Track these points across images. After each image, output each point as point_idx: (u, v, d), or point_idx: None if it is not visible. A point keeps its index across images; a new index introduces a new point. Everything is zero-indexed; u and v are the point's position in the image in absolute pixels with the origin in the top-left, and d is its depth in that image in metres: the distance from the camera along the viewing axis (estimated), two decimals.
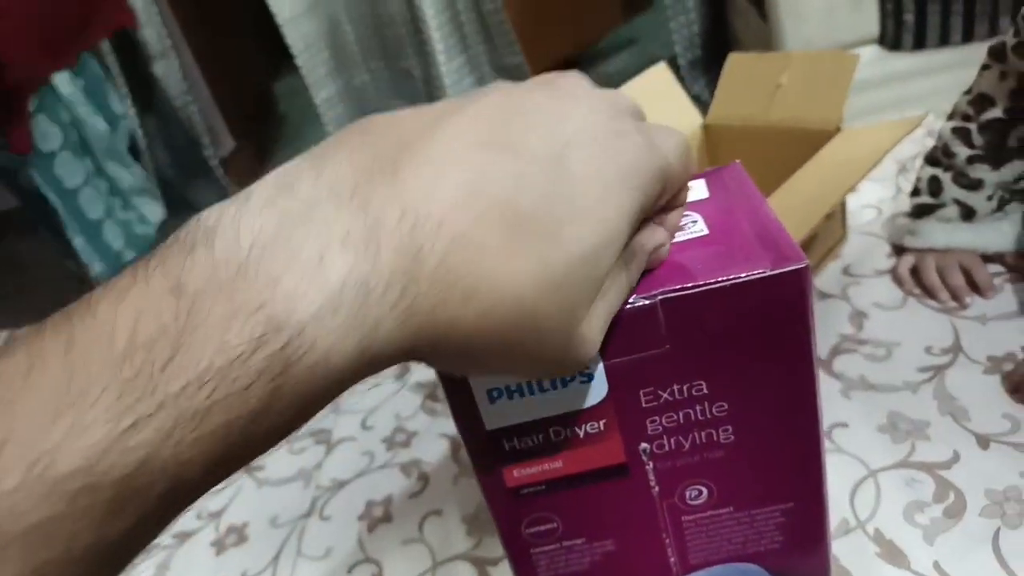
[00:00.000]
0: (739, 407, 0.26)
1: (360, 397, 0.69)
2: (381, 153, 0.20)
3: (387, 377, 0.71)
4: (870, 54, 1.40)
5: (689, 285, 0.24)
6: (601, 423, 0.26)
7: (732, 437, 0.27)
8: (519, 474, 0.27)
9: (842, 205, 0.66)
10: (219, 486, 0.62)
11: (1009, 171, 0.59)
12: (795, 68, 0.66)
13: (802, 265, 0.24)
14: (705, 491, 0.29)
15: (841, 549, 0.44)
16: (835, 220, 0.66)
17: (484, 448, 0.27)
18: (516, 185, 0.20)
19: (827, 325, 0.60)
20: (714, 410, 0.26)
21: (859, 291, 0.63)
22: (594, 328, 0.22)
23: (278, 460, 0.64)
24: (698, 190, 0.30)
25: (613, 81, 0.68)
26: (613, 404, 0.26)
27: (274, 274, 0.17)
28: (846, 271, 0.66)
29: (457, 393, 0.26)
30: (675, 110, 0.71)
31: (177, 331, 0.17)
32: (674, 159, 0.24)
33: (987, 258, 0.61)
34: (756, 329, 0.25)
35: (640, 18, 2.19)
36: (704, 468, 0.28)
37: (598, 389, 0.26)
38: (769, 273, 0.24)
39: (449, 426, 0.62)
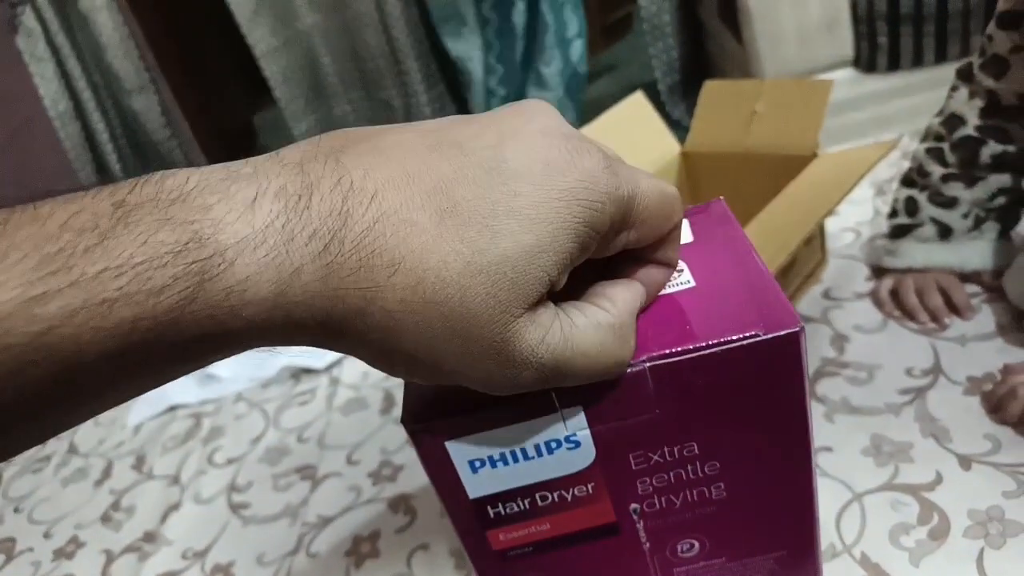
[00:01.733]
0: (732, 464, 0.26)
1: (345, 432, 0.68)
2: (333, 143, 0.21)
3: (372, 411, 0.70)
4: (845, 76, 1.43)
5: (678, 350, 0.23)
6: (589, 486, 0.26)
7: (724, 493, 0.27)
8: (505, 538, 0.27)
9: (821, 229, 0.67)
10: (204, 524, 0.61)
11: (983, 189, 0.60)
12: (770, 95, 0.68)
13: (796, 329, 0.23)
14: (697, 544, 0.28)
15: (829, 574, 0.44)
16: (814, 244, 0.67)
17: (468, 516, 0.26)
18: (455, 176, 0.20)
19: (809, 349, 0.60)
20: (706, 469, 0.26)
21: (840, 314, 0.64)
22: (537, 339, 0.21)
23: (263, 497, 0.63)
24: (683, 233, 0.29)
25: (594, 106, 0.69)
26: (601, 468, 0.25)
27: (208, 203, 0.18)
28: (827, 295, 0.66)
29: (437, 463, 0.25)
30: (653, 138, 0.72)
31: (108, 226, 0.17)
32: (646, 196, 0.23)
33: (965, 278, 0.62)
34: (748, 391, 0.24)
35: (619, 45, 2.23)
36: (696, 524, 0.27)
37: (585, 455, 0.25)
38: (762, 338, 0.23)
39: None
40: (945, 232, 0.61)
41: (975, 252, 0.61)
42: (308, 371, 0.79)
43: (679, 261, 0.27)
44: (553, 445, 0.25)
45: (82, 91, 1.64)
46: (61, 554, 0.65)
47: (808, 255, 0.66)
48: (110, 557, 0.62)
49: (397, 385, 0.73)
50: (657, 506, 0.26)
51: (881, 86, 1.40)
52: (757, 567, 0.29)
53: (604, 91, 2.03)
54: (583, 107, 1.84)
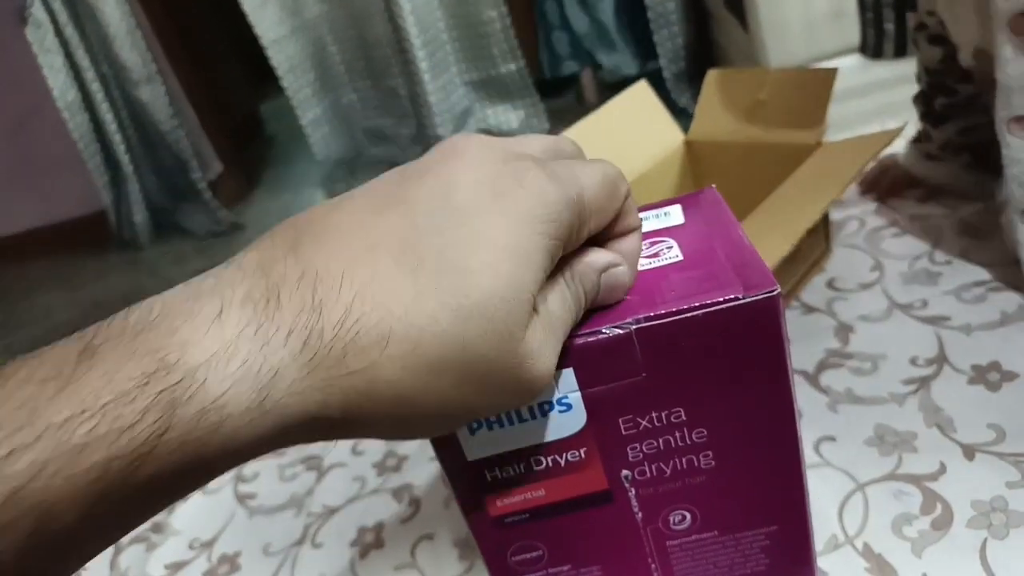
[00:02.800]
0: (718, 433, 0.27)
1: None
2: (286, 237, 0.21)
3: None
4: (852, 63, 1.42)
5: (662, 312, 0.24)
6: (582, 451, 0.27)
7: (713, 463, 0.27)
8: (502, 504, 0.28)
9: (825, 218, 0.67)
10: (211, 514, 0.62)
11: (943, 133, 0.68)
12: (774, 84, 0.67)
13: (773, 291, 0.24)
14: (688, 516, 0.29)
15: (830, 565, 0.44)
16: (818, 234, 0.67)
17: (467, 479, 0.27)
18: (413, 231, 0.20)
19: (813, 339, 0.60)
20: (693, 436, 0.27)
21: (844, 305, 0.63)
22: (540, 345, 0.22)
23: (269, 487, 0.64)
24: (674, 216, 0.30)
25: (601, 92, 0.69)
26: (592, 432, 0.26)
27: (174, 327, 0.18)
28: (831, 284, 0.66)
29: None
30: (657, 127, 0.72)
31: (72, 371, 0.17)
32: (589, 189, 0.24)
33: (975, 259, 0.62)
34: (731, 355, 0.25)
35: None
36: (686, 493, 0.28)
37: (576, 418, 0.26)
38: (741, 300, 0.24)
39: None
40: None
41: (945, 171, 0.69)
42: None
43: (669, 238, 0.28)
44: (546, 407, 0.25)
45: (90, 82, 1.65)
46: None
47: (812, 244, 0.66)
48: (118, 547, 0.63)
49: None
50: (648, 474, 0.27)
51: (888, 73, 1.38)
52: (749, 543, 0.30)
53: (610, 78, 2.01)
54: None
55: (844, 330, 0.61)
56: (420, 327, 0.19)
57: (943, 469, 0.48)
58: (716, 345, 0.25)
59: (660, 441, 0.27)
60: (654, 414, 0.26)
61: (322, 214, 0.21)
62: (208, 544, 0.60)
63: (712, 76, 0.72)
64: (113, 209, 1.80)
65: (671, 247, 0.28)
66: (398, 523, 0.56)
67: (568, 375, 0.25)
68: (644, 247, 0.29)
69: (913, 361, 0.56)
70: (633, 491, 0.28)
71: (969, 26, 0.57)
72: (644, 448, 0.27)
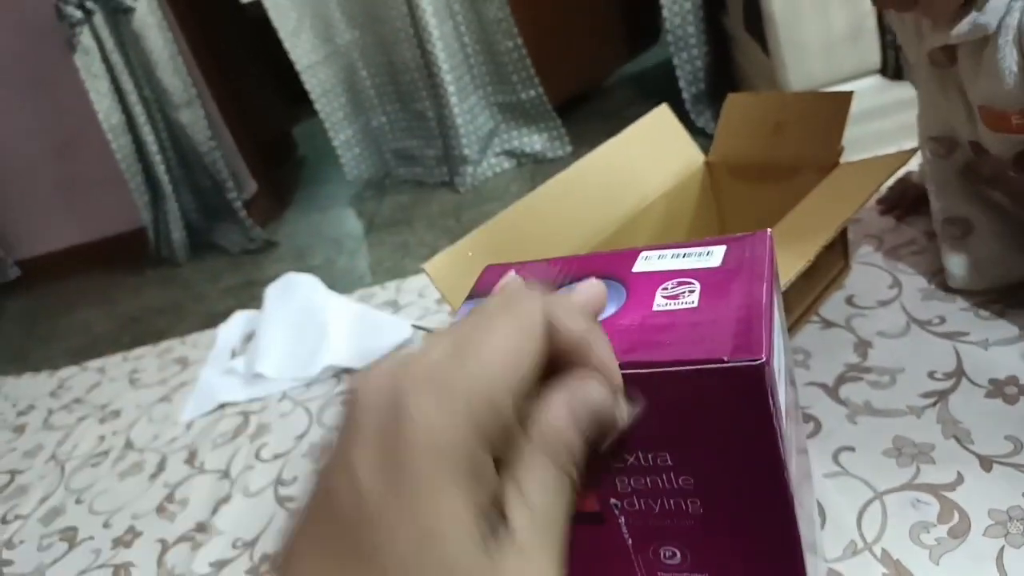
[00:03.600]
0: (705, 482, 0.26)
1: None
2: None
3: None
4: (872, 84, 1.43)
5: (645, 361, 0.24)
6: None
7: (701, 510, 0.27)
8: None
9: (843, 236, 0.69)
10: (253, 515, 0.65)
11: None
12: (793, 106, 0.70)
13: (758, 360, 0.23)
14: (679, 554, 0.29)
15: (849, 570, 0.45)
16: (836, 252, 0.68)
17: None
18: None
19: (832, 354, 0.62)
20: (680, 482, 0.26)
21: (863, 321, 0.65)
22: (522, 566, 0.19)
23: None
24: (715, 257, 0.29)
25: (621, 115, 0.72)
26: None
27: None
28: (850, 301, 0.68)
29: None
30: (678, 149, 0.74)
31: None
32: (497, 377, 0.19)
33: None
34: (716, 412, 0.25)
35: (644, 54, 2.24)
36: (676, 533, 0.28)
37: None
38: (724, 364, 0.23)
39: None
40: None
41: None
42: (349, 371, 0.82)
43: (696, 281, 0.28)
44: None
45: (133, 105, 1.71)
46: (119, 543, 0.69)
47: (831, 262, 0.68)
48: (165, 546, 0.66)
49: None
50: (636, 506, 0.27)
51: (907, 93, 1.39)
52: None
53: (630, 101, 2.04)
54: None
55: (863, 345, 0.62)
56: None
57: (960, 479, 0.49)
58: (701, 401, 0.24)
59: (648, 480, 0.26)
60: (640, 454, 0.26)
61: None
62: (250, 544, 0.63)
63: (732, 99, 0.74)
64: (152, 228, 1.86)
65: (693, 291, 0.27)
66: None
67: None
68: (670, 287, 0.28)
69: (931, 375, 0.57)
70: (623, 519, 0.28)
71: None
72: (632, 483, 0.26)
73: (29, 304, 1.95)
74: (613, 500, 0.27)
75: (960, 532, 0.46)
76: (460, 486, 0.18)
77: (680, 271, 0.29)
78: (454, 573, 0.17)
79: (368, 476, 0.18)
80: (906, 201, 0.76)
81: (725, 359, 0.23)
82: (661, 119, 0.74)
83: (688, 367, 0.24)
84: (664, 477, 0.26)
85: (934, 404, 0.55)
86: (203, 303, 1.57)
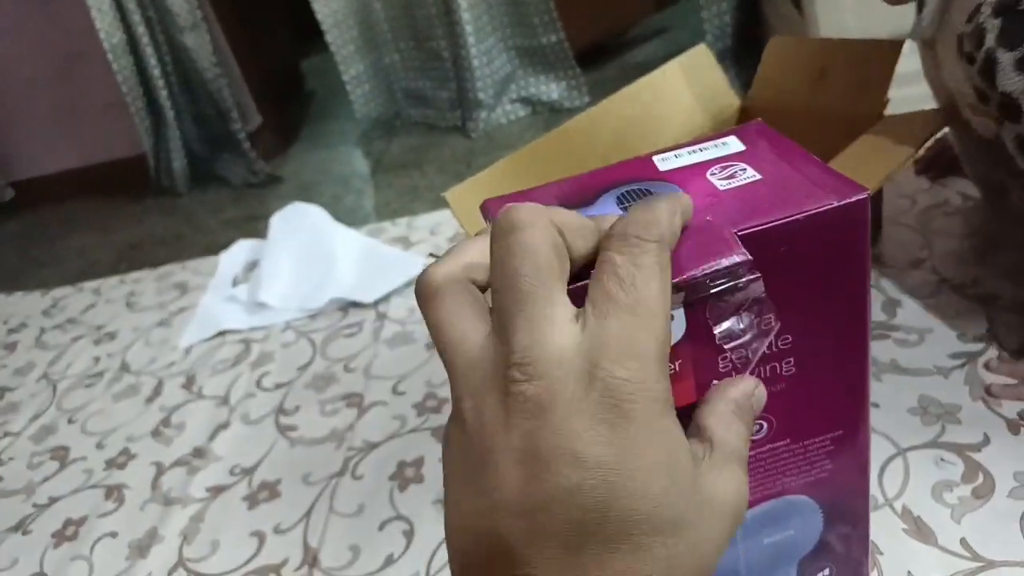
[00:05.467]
0: (800, 339, 0.27)
1: (391, 364, 0.70)
2: None
3: (419, 345, 0.72)
4: (906, 48, 1.39)
5: (763, 220, 0.25)
6: (676, 364, 0.27)
7: (793, 369, 0.28)
8: None
9: (879, 194, 0.66)
10: (252, 443, 0.64)
11: None
12: (838, 54, 0.66)
13: (864, 195, 0.25)
14: (765, 425, 0.30)
15: (871, 524, 0.44)
16: (872, 208, 0.66)
17: None
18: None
19: None
20: (779, 343, 0.27)
21: (893, 280, 0.63)
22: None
23: (311, 421, 0.66)
24: (733, 145, 0.30)
25: (642, 68, 0.69)
26: (689, 343, 0.26)
27: None
28: (879, 260, 0.66)
29: None
30: (714, 91, 0.71)
31: None
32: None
33: None
34: (821, 259, 0.26)
35: (672, 7, 2.18)
36: (767, 401, 0.28)
37: (677, 327, 0.26)
38: (836, 204, 0.25)
39: None
40: None
41: None
42: (356, 305, 0.80)
43: (739, 162, 0.29)
44: None
45: (136, 24, 1.65)
46: (113, 464, 0.68)
47: None
48: (160, 469, 0.65)
49: None
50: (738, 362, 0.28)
51: None
52: (816, 449, 0.31)
53: (653, 53, 1.99)
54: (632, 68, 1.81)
55: (892, 304, 0.61)
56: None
57: (987, 440, 0.48)
58: (809, 250, 0.25)
59: (749, 349, 0.27)
60: (747, 318, 0.26)
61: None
62: (249, 471, 0.62)
63: (774, 43, 0.71)
64: (152, 155, 1.82)
65: (744, 169, 0.28)
66: (437, 461, 0.57)
67: (677, 291, 0.25)
68: (716, 171, 0.29)
69: (961, 337, 0.56)
70: None
71: None
72: (734, 358, 0.27)
73: (23, 228, 1.91)
74: (714, 382, 0.27)
75: (984, 492, 0.45)
76: (672, 421, 0.21)
77: (712, 160, 0.29)
78: (686, 491, 0.20)
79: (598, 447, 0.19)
80: (942, 161, 0.73)
81: (836, 201, 0.25)
82: (699, 59, 0.70)
83: (807, 213, 0.25)
84: (764, 340, 0.27)
85: (962, 366, 0.53)
86: (204, 234, 1.54)
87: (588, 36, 1.87)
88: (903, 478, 0.47)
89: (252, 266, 0.93)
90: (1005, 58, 0.43)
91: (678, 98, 0.69)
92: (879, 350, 0.57)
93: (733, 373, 0.28)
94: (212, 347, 0.81)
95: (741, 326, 0.27)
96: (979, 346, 0.55)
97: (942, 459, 0.47)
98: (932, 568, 0.41)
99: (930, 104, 0.70)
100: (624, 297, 0.20)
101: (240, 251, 0.97)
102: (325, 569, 0.50)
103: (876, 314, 0.60)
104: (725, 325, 0.26)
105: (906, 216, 0.70)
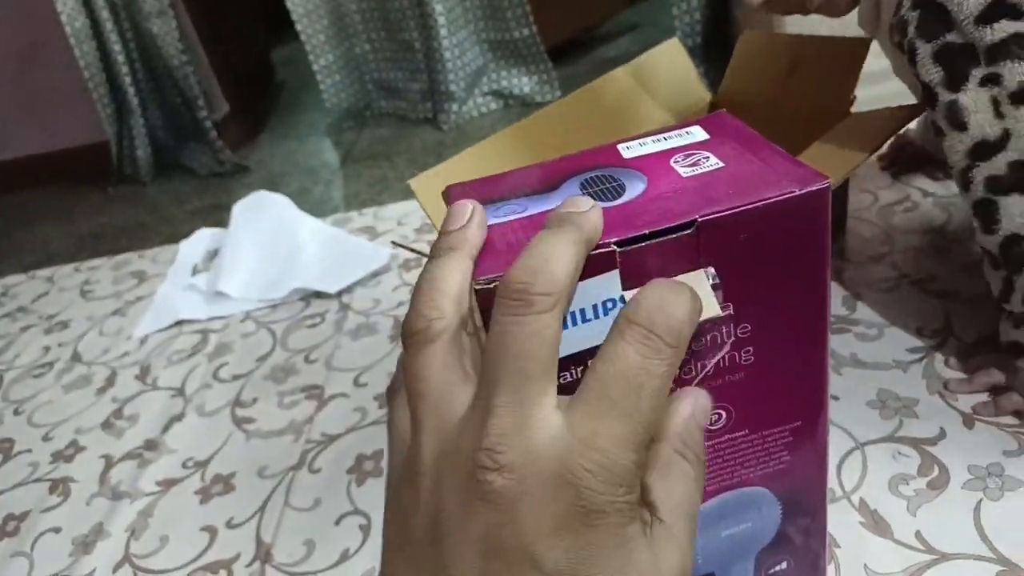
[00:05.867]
0: (760, 329, 0.27)
1: (354, 356, 0.69)
2: None
3: (382, 336, 0.71)
4: (874, 47, 1.41)
5: (723, 207, 0.25)
6: None
7: (752, 358, 0.28)
8: None
9: (844, 188, 0.67)
10: (207, 435, 0.62)
11: None
12: (808, 49, 0.67)
13: (826, 184, 0.25)
14: (724, 415, 0.30)
15: (828, 518, 0.44)
16: (835, 202, 0.66)
17: None
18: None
19: None
20: (738, 332, 0.27)
21: (853, 275, 0.63)
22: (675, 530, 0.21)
23: (268, 413, 0.64)
24: (697, 134, 0.30)
25: (614, 64, 0.69)
26: None
27: None
28: (841, 254, 0.66)
29: None
30: (684, 85, 0.71)
31: None
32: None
33: None
34: (781, 248, 0.26)
35: (643, 4, 2.19)
36: (725, 391, 0.29)
37: None
38: (797, 192, 0.25)
39: None
40: None
41: None
42: (319, 295, 0.79)
43: (703, 151, 0.28)
44: (608, 305, 0.25)
45: (100, 9, 1.61)
46: (60, 456, 0.66)
47: None
48: (109, 462, 0.63)
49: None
50: (692, 372, 0.28)
51: None
52: (775, 440, 0.31)
53: (624, 49, 1.99)
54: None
55: (852, 298, 0.61)
56: None
57: (943, 435, 0.48)
58: (772, 238, 0.25)
59: (708, 338, 0.27)
60: (709, 333, 0.26)
61: None
62: (203, 463, 0.60)
63: (746, 37, 0.71)
64: (116, 143, 1.78)
65: (708, 157, 0.28)
66: None
67: (614, 277, 0.25)
68: (680, 159, 0.28)
69: (919, 332, 0.56)
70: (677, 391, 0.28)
71: None
72: (692, 345, 0.27)
73: None
74: None
75: (939, 485, 0.45)
76: (637, 527, 0.20)
77: (677, 148, 0.29)
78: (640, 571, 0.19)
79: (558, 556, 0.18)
80: (905, 158, 0.74)
81: (797, 189, 0.25)
82: (670, 53, 0.70)
83: (766, 201, 0.24)
84: (724, 330, 0.27)
85: (920, 360, 0.54)
86: (168, 225, 1.51)
87: (560, 31, 1.86)
88: (861, 471, 0.47)
89: (213, 255, 0.91)
90: (923, 49, 0.43)
91: (649, 91, 0.69)
92: (839, 344, 0.57)
93: (692, 362, 0.27)
94: (168, 337, 0.79)
95: (699, 338, 0.26)
96: (937, 340, 0.55)
97: (899, 452, 0.48)
98: (888, 561, 0.41)
99: (898, 102, 0.71)
100: (622, 403, 0.19)
101: (201, 240, 0.95)
102: (278, 564, 0.49)
103: (837, 308, 0.60)
104: None
105: (868, 212, 0.71)
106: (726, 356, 0.28)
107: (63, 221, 1.64)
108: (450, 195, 0.30)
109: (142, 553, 0.53)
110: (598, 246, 0.24)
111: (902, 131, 0.74)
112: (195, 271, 0.89)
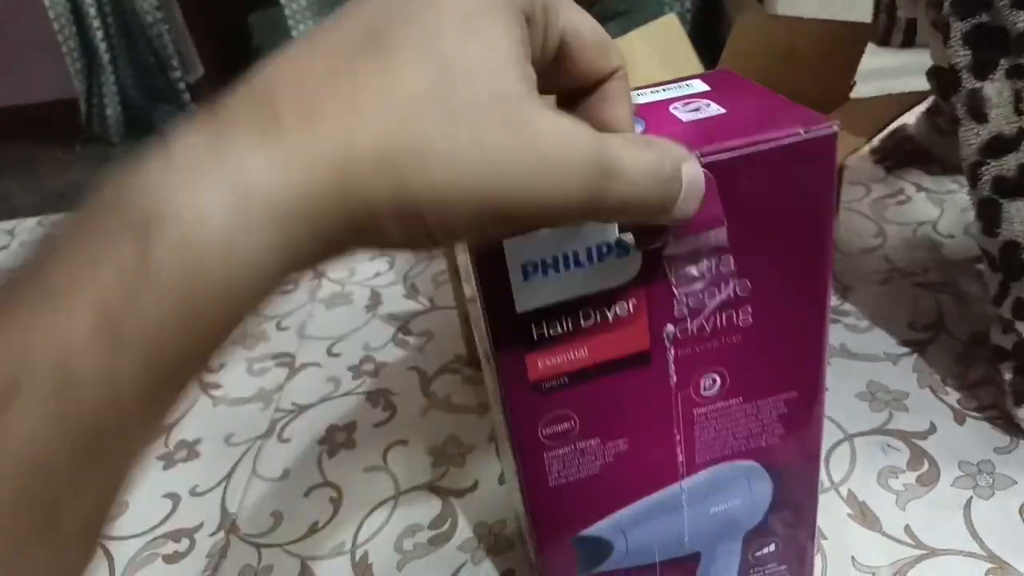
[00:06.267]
0: (761, 285, 0.26)
1: (327, 325, 0.66)
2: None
3: (357, 306, 0.68)
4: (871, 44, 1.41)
5: (725, 148, 0.23)
6: (630, 304, 0.26)
7: (751, 320, 0.27)
8: (543, 365, 0.26)
9: (838, 179, 0.66)
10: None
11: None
12: (808, 33, 0.65)
13: (833, 129, 0.24)
14: (718, 380, 0.29)
15: None
16: None
17: (513, 335, 0.26)
18: (370, 24, 0.18)
19: None
20: (738, 289, 0.26)
21: (845, 266, 0.63)
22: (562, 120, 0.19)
23: (236, 379, 0.61)
24: (697, 86, 0.29)
25: None
26: (644, 282, 0.25)
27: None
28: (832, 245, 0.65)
29: (491, 272, 0.24)
30: (681, 62, 0.69)
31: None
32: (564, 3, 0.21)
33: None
34: (785, 196, 0.25)
35: None
36: (721, 354, 0.28)
37: (632, 264, 0.25)
38: (804, 135, 0.23)
39: (420, 360, 0.60)
40: None
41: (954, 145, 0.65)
42: None
43: (704, 99, 0.27)
44: (604, 249, 0.24)
45: None
46: None
47: None
48: None
49: (384, 284, 0.71)
50: (689, 331, 0.27)
51: (893, 62, 1.38)
52: (769, 411, 0.30)
53: (612, 35, 1.98)
54: None
55: (844, 289, 0.60)
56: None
57: (933, 429, 0.47)
58: (776, 184, 0.24)
59: (706, 293, 0.26)
60: (706, 262, 0.25)
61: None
62: (166, 429, 0.57)
63: (743, 21, 0.69)
64: (84, 99, 1.71)
65: (709, 105, 0.27)
66: (371, 427, 0.54)
67: None
68: (679, 106, 0.27)
69: (911, 325, 0.55)
70: (672, 351, 0.27)
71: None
72: (690, 301, 0.26)
73: None
74: (668, 328, 0.27)
75: (929, 480, 0.44)
76: (514, 29, 0.18)
77: (677, 97, 0.28)
78: (502, 97, 0.17)
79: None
80: (900, 153, 0.73)
81: (803, 131, 0.23)
82: (667, 29, 0.68)
83: (772, 144, 0.23)
84: (724, 285, 0.26)
85: (911, 353, 0.53)
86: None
87: None
88: (850, 463, 0.46)
89: None
90: (956, 28, 0.42)
91: (644, 66, 0.67)
92: (830, 334, 0.56)
93: (689, 318, 0.26)
94: None
95: (698, 271, 0.26)
96: (928, 334, 0.54)
97: (889, 445, 0.47)
98: (875, 554, 0.40)
99: None
100: None
101: None
102: (244, 535, 0.47)
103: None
104: (682, 269, 0.25)
105: (860, 204, 0.70)
106: (723, 316, 0.27)
107: (26, 177, 1.58)
108: None
109: None
110: None
111: (900, 125, 0.73)
112: None
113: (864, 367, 0.53)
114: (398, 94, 0.17)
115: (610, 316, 0.26)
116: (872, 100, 0.60)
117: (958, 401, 0.49)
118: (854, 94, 0.62)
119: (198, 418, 0.58)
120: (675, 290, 0.26)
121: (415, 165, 0.17)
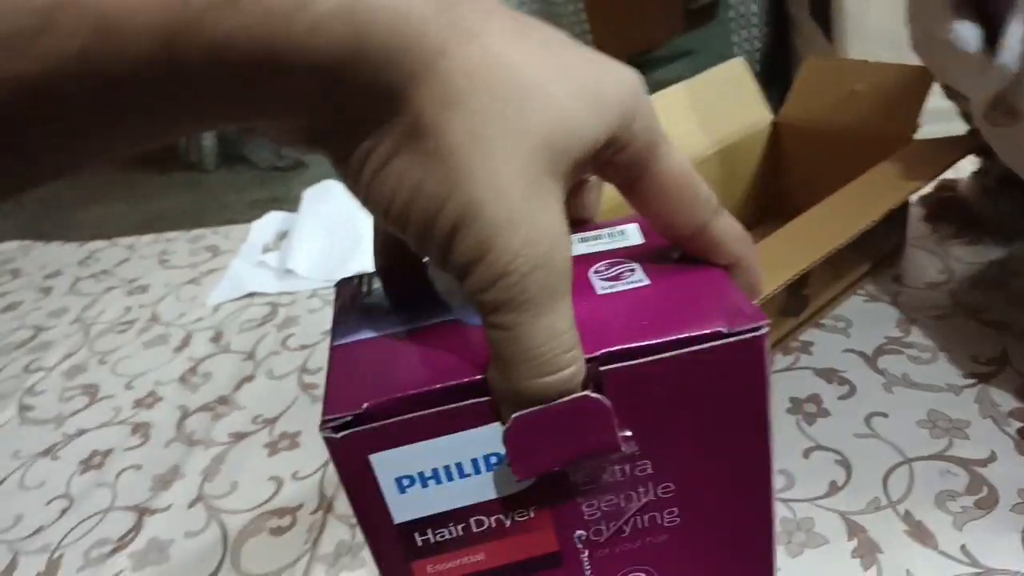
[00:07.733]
0: (686, 487, 0.23)
1: None
2: None
3: None
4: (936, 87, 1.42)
5: (634, 348, 0.21)
6: (531, 510, 0.23)
7: (678, 520, 0.24)
8: (433, 570, 0.23)
9: (903, 212, 0.68)
10: (275, 396, 0.65)
11: (998, 166, 0.61)
12: (872, 76, 0.68)
13: (762, 328, 0.21)
14: None
15: (871, 523, 0.46)
16: (894, 227, 0.68)
17: (392, 544, 0.23)
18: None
19: (874, 326, 0.62)
20: (659, 491, 0.23)
21: (909, 300, 0.65)
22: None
23: None
24: (631, 235, 0.27)
25: (666, 87, 0.71)
26: (543, 488, 0.22)
27: None
28: (897, 279, 0.67)
29: (359, 482, 0.21)
30: (747, 104, 0.73)
31: None
32: (665, 147, 0.23)
33: None
34: (710, 399, 0.22)
35: (700, 30, 2.21)
36: (645, 554, 0.25)
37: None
38: (724, 340, 0.21)
39: None
40: None
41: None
42: None
43: (630, 260, 0.25)
44: (492, 460, 0.22)
45: None
46: (140, 404, 0.70)
47: (883, 237, 0.67)
48: (185, 413, 0.67)
49: None
50: (604, 533, 0.24)
51: None
52: None
53: (679, 74, 2.01)
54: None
55: (907, 322, 0.62)
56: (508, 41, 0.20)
57: (993, 457, 0.49)
58: (695, 388, 0.21)
59: (621, 497, 0.23)
60: (617, 468, 0.22)
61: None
62: (271, 421, 0.64)
63: (810, 62, 0.73)
64: None
65: (633, 270, 0.24)
66: None
67: (496, 428, 0.22)
68: (602, 270, 0.25)
69: (974, 359, 0.57)
70: (586, 553, 0.24)
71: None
72: (602, 505, 0.23)
73: (46, 191, 1.93)
74: (579, 532, 0.24)
75: (987, 504, 0.46)
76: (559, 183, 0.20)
77: (603, 254, 0.26)
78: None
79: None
80: (950, 216, 0.73)
81: (726, 331, 0.21)
82: (734, 71, 0.73)
83: (687, 348, 0.21)
84: (641, 490, 0.23)
85: (974, 385, 0.55)
86: (228, 212, 1.56)
87: (615, 52, 1.89)
88: (907, 484, 0.48)
89: (282, 236, 0.96)
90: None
91: (711, 107, 0.71)
92: (892, 364, 0.58)
93: (604, 521, 0.24)
94: (240, 307, 0.83)
95: (610, 477, 0.23)
96: (992, 368, 0.56)
97: (948, 471, 0.49)
98: (930, 570, 0.42)
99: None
100: None
101: (271, 221, 1.00)
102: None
103: (891, 330, 0.62)
104: (588, 481, 0.23)
105: (926, 240, 0.72)
106: (644, 517, 0.24)
107: (124, 201, 1.70)
108: None
109: (215, 494, 0.56)
110: (482, 392, 0.21)
111: (951, 180, 0.74)
112: (265, 250, 0.93)
113: (925, 396, 0.55)
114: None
115: (507, 522, 0.23)
116: (936, 141, 0.63)
117: (1019, 432, 0.50)
118: (920, 135, 0.65)
119: (298, 413, 0.64)
120: (581, 502, 0.23)
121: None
